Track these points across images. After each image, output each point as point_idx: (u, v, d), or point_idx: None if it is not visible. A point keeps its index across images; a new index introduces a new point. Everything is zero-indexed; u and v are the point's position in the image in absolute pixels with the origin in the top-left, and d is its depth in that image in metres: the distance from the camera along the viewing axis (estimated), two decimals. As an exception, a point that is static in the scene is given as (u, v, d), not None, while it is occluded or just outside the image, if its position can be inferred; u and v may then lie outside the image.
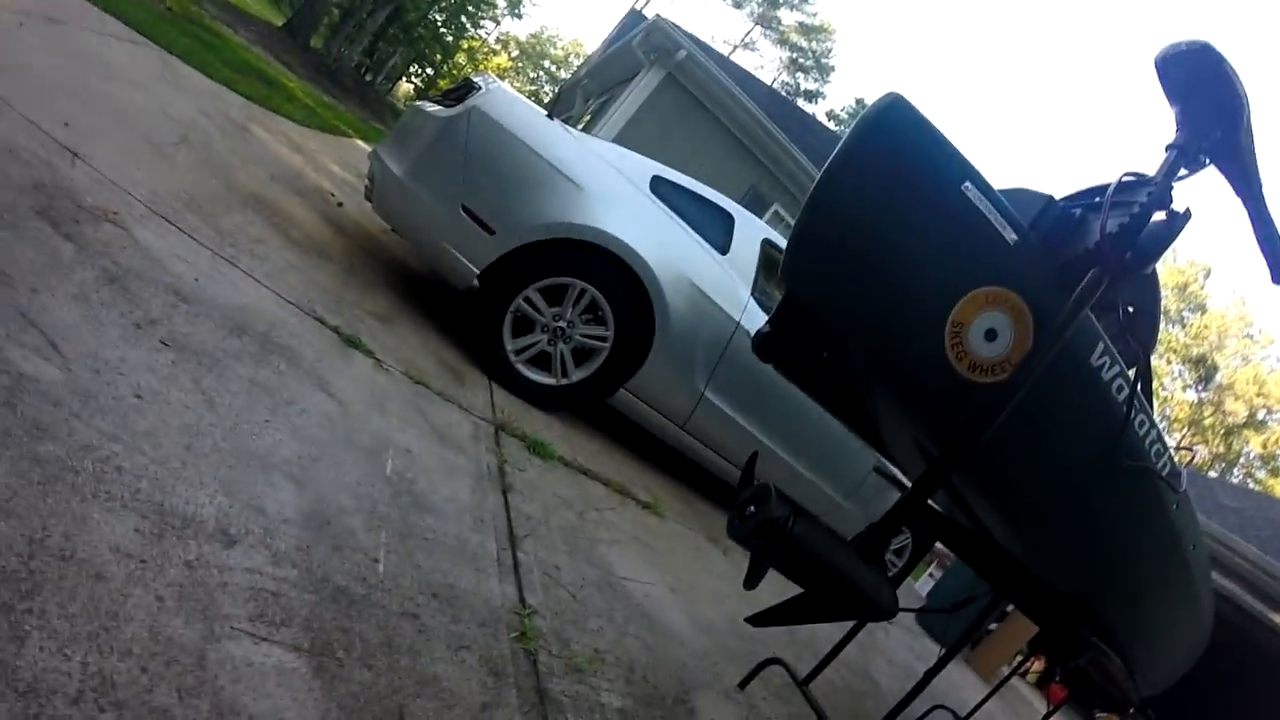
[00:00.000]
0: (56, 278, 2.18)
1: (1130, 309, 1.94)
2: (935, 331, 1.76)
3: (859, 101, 52.56)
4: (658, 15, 13.16)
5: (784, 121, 14.77)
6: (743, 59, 58.50)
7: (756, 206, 13.29)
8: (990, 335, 1.75)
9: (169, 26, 8.77)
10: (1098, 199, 1.92)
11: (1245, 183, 1.92)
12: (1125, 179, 1.86)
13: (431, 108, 4.46)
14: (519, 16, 44.63)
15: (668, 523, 4.10)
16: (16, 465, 1.46)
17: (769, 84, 25.30)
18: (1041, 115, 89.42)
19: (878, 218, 1.85)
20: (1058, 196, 2.09)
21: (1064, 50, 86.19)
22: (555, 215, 3.95)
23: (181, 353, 2.25)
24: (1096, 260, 1.72)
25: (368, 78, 35.04)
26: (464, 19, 32.53)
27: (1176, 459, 2.09)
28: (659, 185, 4.55)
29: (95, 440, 1.66)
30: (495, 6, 34.98)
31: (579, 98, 18.56)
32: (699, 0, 62.43)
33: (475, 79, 4.44)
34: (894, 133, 1.87)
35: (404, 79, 50.71)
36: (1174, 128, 1.82)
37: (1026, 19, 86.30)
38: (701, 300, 4.32)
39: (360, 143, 11.75)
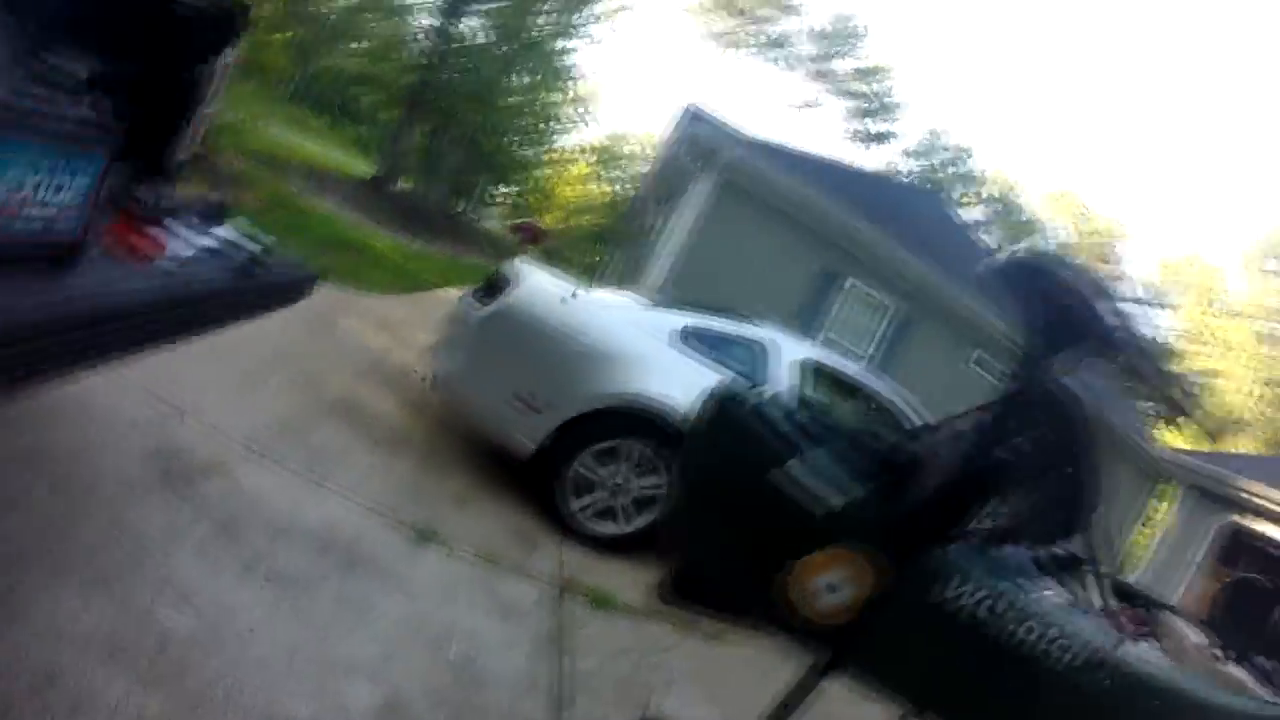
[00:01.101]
0: (181, 538, 2.72)
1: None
2: (780, 587, 2.04)
3: (932, 133, 52.24)
4: (695, 119, 13.54)
5: (843, 189, 14.86)
6: (809, 120, 59.30)
7: (828, 285, 13.57)
8: (831, 588, 1.99)
9: (260, 223, 9.65)
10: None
11: (1120, 348, 2.21)
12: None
13: (473, 304, 4.98)
14: (587, 124, 46.27)
15: (732, 647, 4.13)
16: (170, 697, 2.03)
17: (821, 156, 25.82)
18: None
19: (723, 493, 2.23)
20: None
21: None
22: (592, 388, 4.40)
23: (281, 584, 2.76)
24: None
25: (460, 208, 36.80)
26: (537, 136, 34.02)
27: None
28: (689, 337, 4.91)
29: (223, 670, 2.22)
30: (561, 121, 36.43)
31: (650, 204, 19.19)
32: (754, 75, 63.42)
33: (505, 270, 5.00)
34: (719, 428, 2.28)
35: (494, 203, 53.09)
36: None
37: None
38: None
39: (451, 291, 12.51)
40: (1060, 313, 2.04)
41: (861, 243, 13.65)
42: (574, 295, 4.86)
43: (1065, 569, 3.12)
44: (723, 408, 2.29)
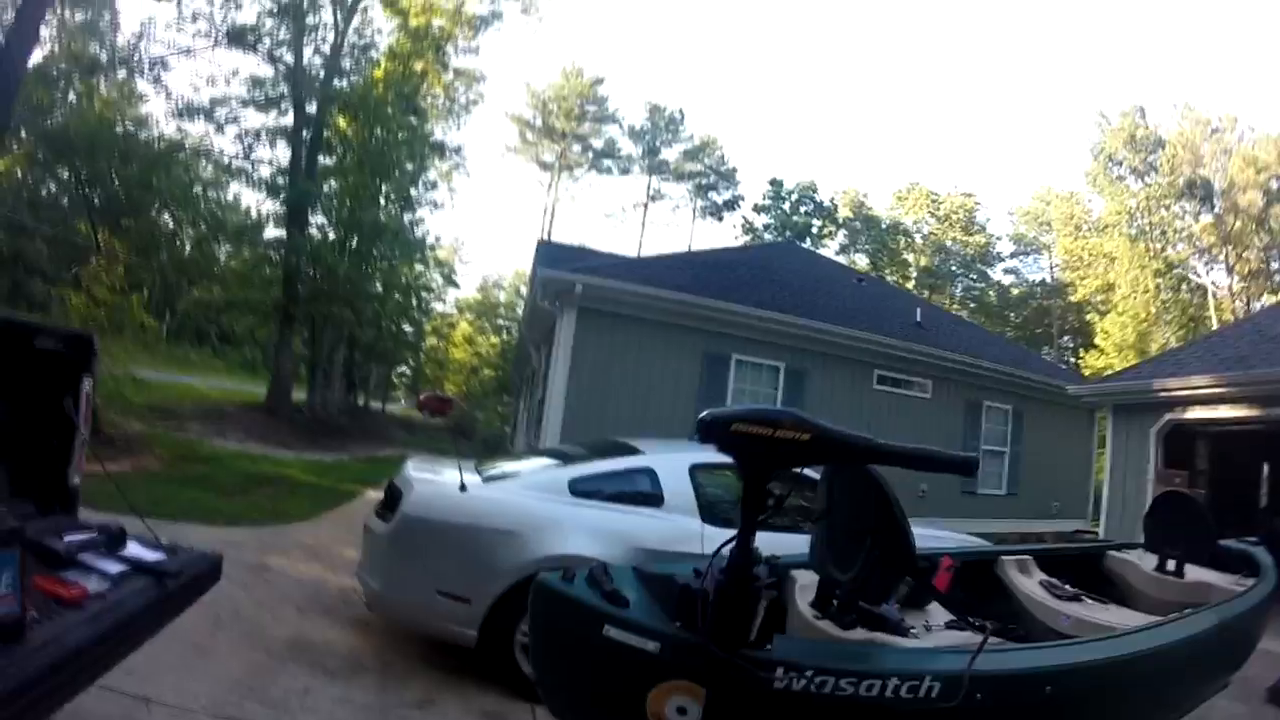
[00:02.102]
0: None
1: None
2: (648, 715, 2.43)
3: (773, 183, 54.36)
4: (541, 270, 14.09)
5: (699, 273, 15.77)
6: (657, 212, 61.34)
7: (716, 368, 14.11)
8: (682, 710, 2.39)
9: (156, 488, 9.76)
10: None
11: (873, 455, 2.57)
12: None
13: (377, 522, 5.29)
14: (456, 285, 47.06)
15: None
16: None
17: (671, 253, 27.08)
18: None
19: (571, 654, 2.65)
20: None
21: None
22: (506, 565, 4.74)
23: None
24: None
25: (360, 403, 36.78)
26: (413, 314, 34.40)
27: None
28: (577, 485, 5.27)
29: None
30: (432, 289, 37.07)
31: (531, 350, 19.68)
32: (594, 190, 65.56)
33: (397, 482, 5.36)
34: (548, 609, 2.67)
35: (394, 387, 53.38)
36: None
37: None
38: (663, 558, 4.80)
39: (371, 493, 12.62)
40: (740, 457, 2.40)
41: (730, 319, 14.27)
42: (463, 488, 5.10)
43: (918, 604, 3.54)
44: (542, 595, 2.66)
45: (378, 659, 5.13)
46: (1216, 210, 42.40)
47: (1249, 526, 6.23)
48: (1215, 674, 4.06)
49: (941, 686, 2.47)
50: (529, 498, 5.20)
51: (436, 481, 5.40)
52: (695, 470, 5.54)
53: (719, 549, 2.44)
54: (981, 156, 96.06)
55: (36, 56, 18.03)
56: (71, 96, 21.90)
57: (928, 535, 6.72)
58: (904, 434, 15.30)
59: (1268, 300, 36.52)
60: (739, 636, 2.31)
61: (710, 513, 5.35)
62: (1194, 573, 4.75)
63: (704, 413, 2.32)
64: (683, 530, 5.07)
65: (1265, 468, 13.47)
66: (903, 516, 3.12)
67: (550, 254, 17.66)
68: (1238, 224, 41.57)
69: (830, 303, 16.97)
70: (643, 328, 13.68)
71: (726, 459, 5.79)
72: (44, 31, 19.19)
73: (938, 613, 3.53)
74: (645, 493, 5.35)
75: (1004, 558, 4.69)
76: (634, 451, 5.74)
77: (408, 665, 5.07)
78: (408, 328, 36.61)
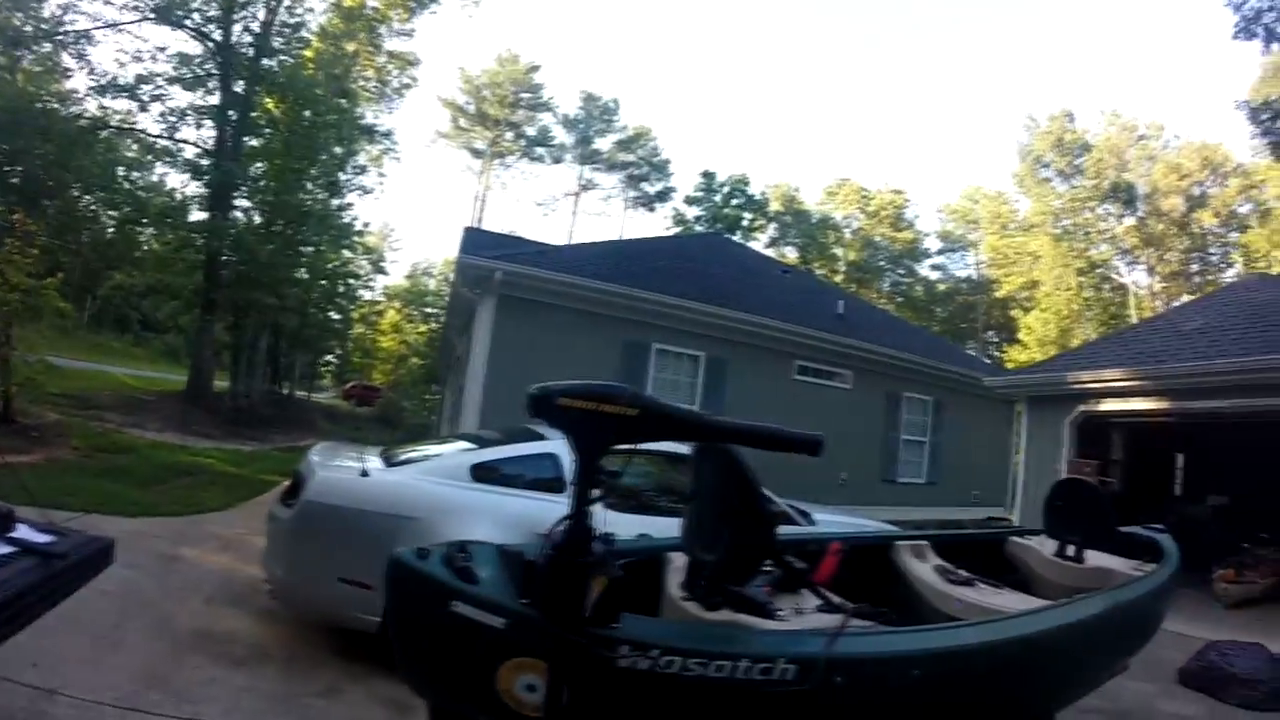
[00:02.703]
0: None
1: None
2: (495, 695, 2.46)
3: (705, 175, 54.59)
4: (459, 256, 14.05)
5: (623, 262, 15.88)
6: (588, 202, 61.37)
7: (637, 356, 14.25)
8: (530, 688, 2.38)
9: (70, 479, 9.61)
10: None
11: (713, 432, 2.75)
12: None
13: (280, 509, 5.31)
14: (384, 272, 46.42)
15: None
16: None
17: (596, 241, 27.18)
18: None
19: (422, 630, 2.68)
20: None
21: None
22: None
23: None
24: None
25: (285, 392, 36.15)
26: (340, 301, 33.84)
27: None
28: (480, 470, 5.35)
29: None
30: (360, 276, 36.51)
31: (455, 338, 19.61)
32: (526, 179, 65.21)
33: (301, 468, 5.38)
34: (400, 584, 2.69)
35: (320, 375, 52.57)
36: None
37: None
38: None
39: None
40: (569, 432, 2.45)
41: (651, 308, 14.42)
42: (364, 473, 5.17)
43: (793, 587, 3.55)
44: (395, 571, 2.68)
45: (284, 648, 5.17)
46: (1139, 214, 44.15)
47: (1161, 515, 6.49)
48: (1109, 658, 4.09)
49: (797, 669, 2.47)
50: (431, 483, 5.24)
51: (339, 467, 5.43)
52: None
53: (554, 524, 2.48)
54: (912, 155, 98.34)
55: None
56: None
57: (838, 521, 6.93)
58: (824, 424, 15.27)
59: (1186, 301, 38.36)
60: (571, 612, 2.32)
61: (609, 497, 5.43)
62: (1094, 558, 4.83)
63: (532, 386, 2.37)
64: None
65: (1178, 459, 14.09)
66: (761, 499, 3.10)
67: (477, 241, 17.57)
68: (1159, 227, 43.46)
69: (754, 294, 17.25)
70: (563, 315, 13.72)
71: (651, 447, 5.92)
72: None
73: (813, 596, 3.51)
74: (547, 478, 5.38)
75: (899, 543, 4.71)
76: (539, 437, 5.76)
77: (315, 654, 5.10)
78: (335, 315, 36.04)
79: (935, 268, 59.77)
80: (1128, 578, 4.39)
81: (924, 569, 4.42)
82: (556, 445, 5.50)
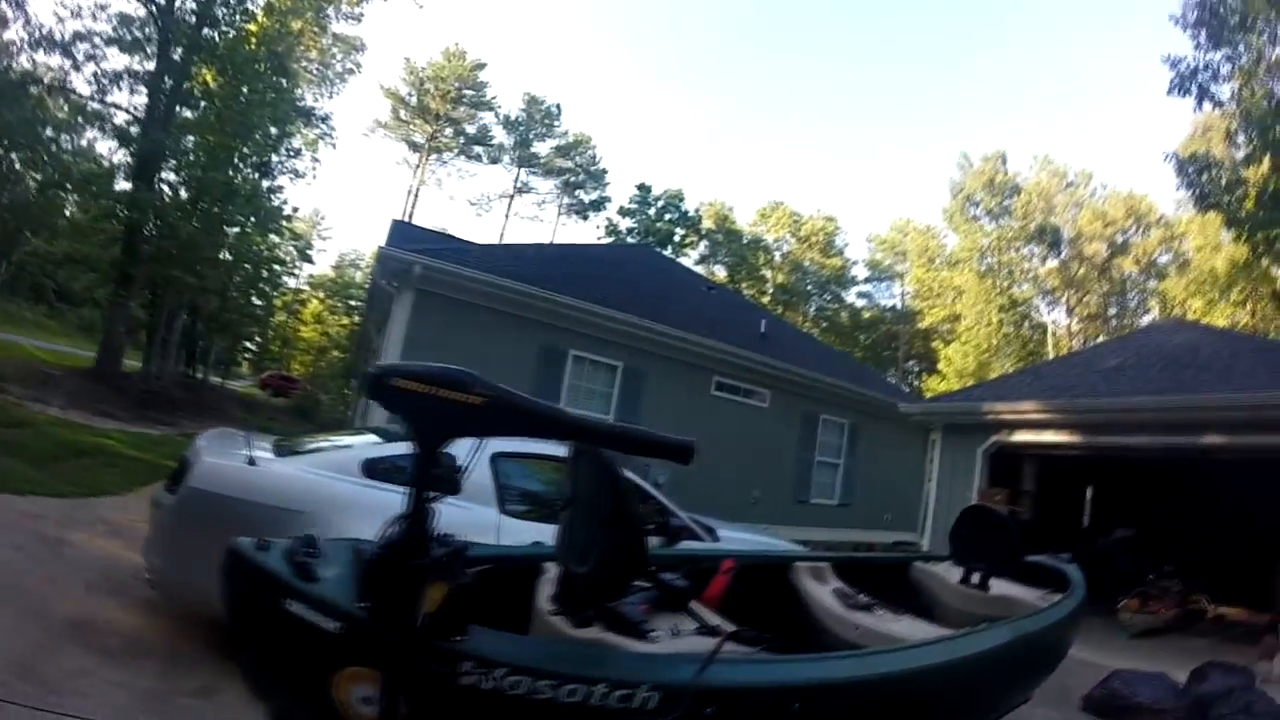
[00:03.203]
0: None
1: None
2: (331, 705, 2.27)
3: (641, 188, 55.01)
4: (380, 247, 13.95)
5: (546, 266, 15.95)
6: (522, 205, 61.24)
7: (553, 362, 14.30)
8: (367, 700, 2.18)
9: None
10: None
11: (579, 432, 2.60)
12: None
13: (164, 495, 5.19)
14: (310, 260, 45.46)
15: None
16: None
17: (520, 243, 27.21)
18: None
19: (255, 628, 2.51)
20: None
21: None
22: None
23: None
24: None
25: (199, 377, 35.27)
26: (263, 286, 33.10)
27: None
28: (371, 465, 5.22)
29: None
30: (285, 262, 35.81)
31: (372, 331, 19.41)
32: (461, 177, 64.74)
33: (188, 454, 5.26)
34: (235, 577, 2.49)
35: (236, 362, 51.40)
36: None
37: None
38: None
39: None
40: (407, 419, 2.26)
41: (571, 314, 14.44)
42: (251, 461, 5.02)
43: (675, 606, 3.32)
44: (230, 562, 2.49)
45: (164, 642, 5.05)
46: (1062, 256, 45.77)
47: (1070, 546, 6.64)
48: (1011, 688, 3.99)
49: (660, 697, 2.26)
50: (319, 476, 5.11)
51: (226, 454, 5.25)
52: (497, 458, 5.49)
53: (387, 522, 2.33)
54: (846, 183, 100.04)
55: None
56: None
57: (744, 539, 7.00)
58: (740, 441, 15.86)
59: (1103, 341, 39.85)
60: (401, 620, 2.12)
61: (509, 504, 5.41)
62: (999, 586, 4.78)
63: (372, 365, 2.20)
64: (477, 520, 4.86)
65: (1088, 491, 14.57)
66: (634, 509, 2.91)
67: (405, 234, 17.42)
68: (1081, 271, 45.12)
69: (677, 308, 17.42)
70: (481, 315, 13.67)
71: (531, 449, 5.91)
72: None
73: (696, 617, 3.27)
74: (442, 478, 5.28)
75: (798, 564, 4.53)
76: None
77: (194, 650, 4.96)
78: (257, 301, 35.23)
79: (861, 295, 61.38)
80: (1033, 607, 4.35)
81: (822, 592, 4.28)
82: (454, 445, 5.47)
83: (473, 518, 4.79)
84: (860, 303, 60.96)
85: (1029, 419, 13.02)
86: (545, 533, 4.63)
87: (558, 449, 6.43)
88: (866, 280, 60.64)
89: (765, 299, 52.50)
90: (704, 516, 6.90)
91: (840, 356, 27.07)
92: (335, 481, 5.07)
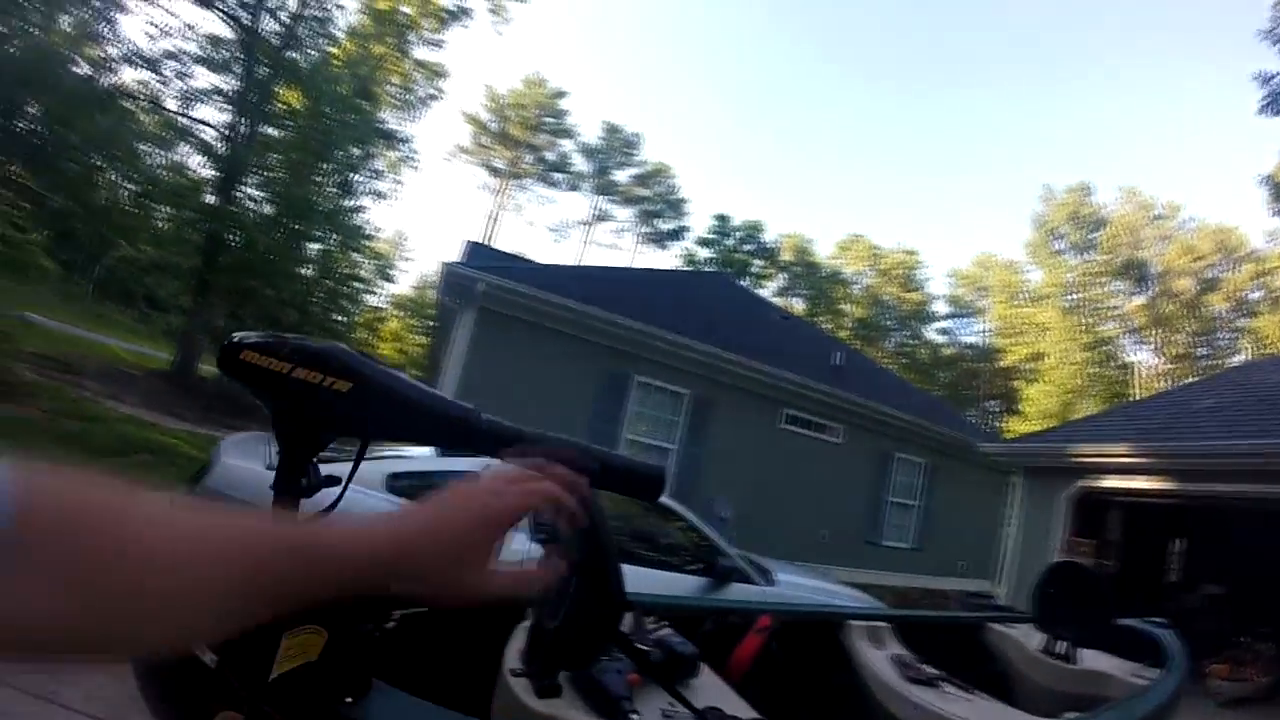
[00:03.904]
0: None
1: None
2: None
3: (719, 218, 55.06)
4: (444, 264, 13.86)
5: (613, 289, 15.56)
6: (600, 233, 61.56)
7: (616, 387, 13.96)
8: None
9: (21, 436, 9.33)
10: None
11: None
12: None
13: (182, 495, 4.96)
14: (391, 280, 46.37)
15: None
16: None
17: (589, 266, 27.28)
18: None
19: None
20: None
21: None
22: None
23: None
24: None
25: (274, 385, 35.87)
26: (343, 303, 33.67)
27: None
28: (396, 480, 4.96)
29: None
30: (367, 280, 36.40)
31: (441, 348, 19.36)
32: (541, 203, 65.48)
33: (211, 455, 5.15)
34: None
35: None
36: None
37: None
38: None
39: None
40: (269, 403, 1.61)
41: (637, 338, 14.09)
42: (270, 466, 4.85)
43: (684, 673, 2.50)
44: None
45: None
46: (1150, 293, 43.93)
47: (1157, 602, 5.88)
48: None
49: None
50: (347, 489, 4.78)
51: (246, 457, 5.07)
52: (398, 478, 5.22)
53: None
54: (927, 216, 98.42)
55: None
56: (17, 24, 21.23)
57: (802, 584, 6.53)
58: (809, 477, 15.32)
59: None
60: (255, 667, 1.57)
61: (540, 528, 5.00)
62: (1088, 658, 4.06)
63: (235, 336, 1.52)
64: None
65: (1177, 543, 13.66)
66: (611, 550, 1.84)
67: (481, 256, 17.42)
68: (1169, 308, 43.13)
69: (748, 336, 16.93)
70: (544, 336, 13.47)
71: (440, 467, 5.47)
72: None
73: (708, 688, 2.44)
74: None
75: (852, 622, 3.74)
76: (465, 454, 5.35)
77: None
78: (338, 317, 35.81)
79: (942, 332, 59.59)
80: (1129, 686, 3.68)
81: (879, 658, 3.54)
82: (483, 461, 5.10)
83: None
84: (940, 339, 59.31)
85: (1117, 462, 12.24)
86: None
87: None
88: (947, 316, 59.15)
89: (844, 333, 51.61)
90: (761, 557, 6.48)
91: (918, 393, 26.13)
92: (356, 494, 4.67)
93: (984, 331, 56.81)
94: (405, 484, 4.92)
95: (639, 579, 4.55)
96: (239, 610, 0.64)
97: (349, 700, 1.61)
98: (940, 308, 59.24)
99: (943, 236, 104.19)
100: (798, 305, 53.81)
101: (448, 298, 13.78)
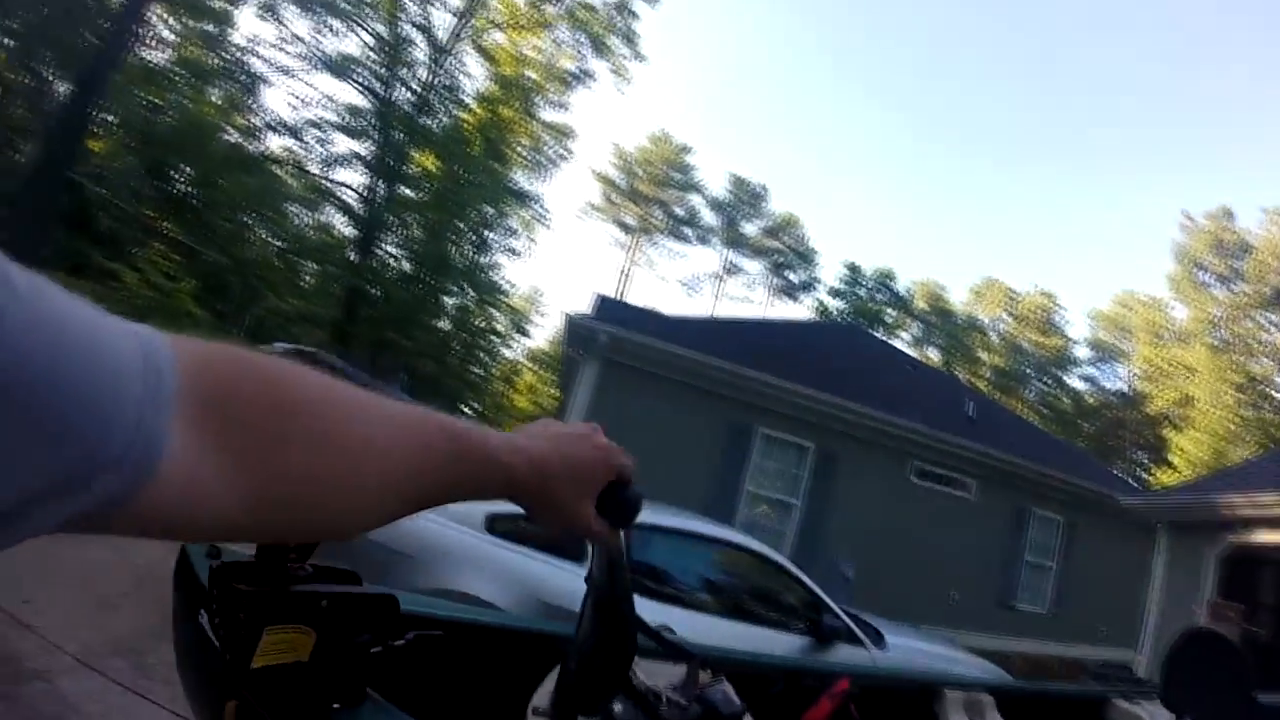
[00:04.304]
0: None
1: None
2: None
3: (850, 267, 54.42)
4: (568, 314, 14.04)
5: (738, 340, 15.38)
6: (731, 286, 61.58)
7: (739, 439, 13.68)
8: None
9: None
10: None
11: None
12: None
13: None
14: (527, 334, 47.71)
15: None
16: None
17: (717, 317, 27.53)
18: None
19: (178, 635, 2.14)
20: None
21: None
22: (405, 587, 4.44)
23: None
24: None
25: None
26: (480, 355, 34.97)
27: None
28: (496, 522, 4.92)
29: None
30: (502, 335, 37.63)
31: (568, 399, 19.68)
32: (671, 258, 65.98)
33: None
34: (176, 577, 2.14)
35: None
36: None
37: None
38: (562, 616, 4.19)
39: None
40: None
41: (761, 390, 13.83)
42: None
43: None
44: (178, 562, 1.95)
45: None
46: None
47: None
48: None
49: None
50: (438, 524, 4.87)
51: None
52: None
53: None
54: (1062, 254, 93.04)
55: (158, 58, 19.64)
56: (174, 96, 23.57)
57: (914, 648, 6.19)
58: (939, 535, 14.75)
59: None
60: (239, 656, 1.35)
61: (633, 580, 4.89)
62: None
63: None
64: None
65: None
66: (626, 589, 1.62)
67: (608, 309, 17.57)
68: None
69: (875, 386, 16.39)
70: (667, 387, 13.40)
71: (676, 524, 5.48)
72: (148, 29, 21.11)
73: None
74: (569, 542, 4.86)
75: (949, 691, 3.30)
76: None
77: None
78: (476, 369, 37.04)
79: (1084, 378, 55.95)
80: None
81: None
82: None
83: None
84: (1083, 386, 55.72)
85: (1272, 514, 11.19)
86: (670, 617, 4.18)
87: (698, 525, 5.98)
88: (1089, 361, 55.68)
89: (981, 383, 49.86)
90: (876, 618, 6.23)
91: (1057, 445, 24.80)
92: (454, 531, 4.84)
93: (1129, 376, 53.90)
94: (505, 526, 4.92)
95: (729, 634, 4.43)
96: (414, 500, 0.66)
97: (336, 706, 1.50)
98: (1081, 352, 55.86)
99: (1080, 275, 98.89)
100: (933, 356, 52.20)
101: (572, 349, 13.99)
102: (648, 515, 4.28)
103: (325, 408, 0.56)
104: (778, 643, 5.26)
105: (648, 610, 3.20)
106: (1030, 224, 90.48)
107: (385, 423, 0.61)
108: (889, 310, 53.18)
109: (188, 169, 22.70)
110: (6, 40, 22.59)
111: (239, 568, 1.40)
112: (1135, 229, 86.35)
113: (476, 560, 4.71)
